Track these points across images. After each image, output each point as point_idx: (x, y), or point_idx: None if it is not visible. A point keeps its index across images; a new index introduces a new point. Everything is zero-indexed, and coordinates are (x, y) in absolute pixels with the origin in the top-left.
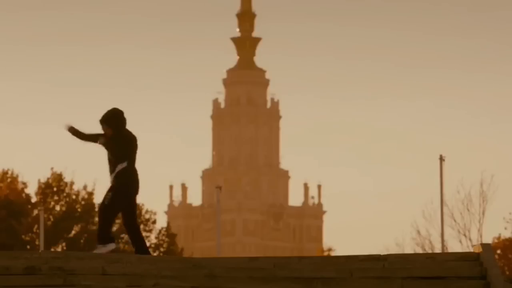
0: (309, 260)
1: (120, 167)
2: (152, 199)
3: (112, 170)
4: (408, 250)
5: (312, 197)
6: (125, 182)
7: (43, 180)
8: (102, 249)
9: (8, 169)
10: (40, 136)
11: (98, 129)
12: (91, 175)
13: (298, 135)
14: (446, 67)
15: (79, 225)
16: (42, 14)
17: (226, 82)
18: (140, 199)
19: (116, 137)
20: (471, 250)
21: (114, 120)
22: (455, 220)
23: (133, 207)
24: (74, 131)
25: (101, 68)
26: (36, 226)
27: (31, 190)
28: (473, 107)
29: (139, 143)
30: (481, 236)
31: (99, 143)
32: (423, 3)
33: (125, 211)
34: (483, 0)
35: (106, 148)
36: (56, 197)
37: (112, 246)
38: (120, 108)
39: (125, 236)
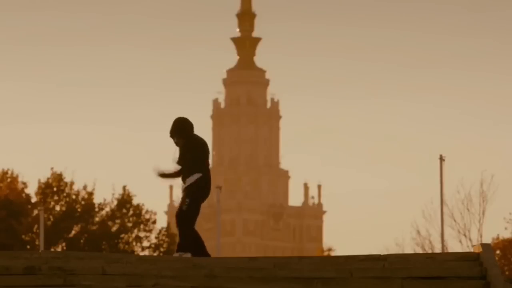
0: (309, 260)
1: (196, 176)
2: (152, 199)
3: (185, 177)
4: (408, 250)
5: (312, 197)
6: (202, 190)
7: (43, 180)
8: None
9: (8, 169)
10: (40, 136)
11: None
12: (91, 175)
13: (298, 135)
14: (446, 67)
15: (79, 225)
16: (42, 14)
17: (226, 82)
18: (140, 199)
19: (187, 145)
20: (471, 250)
21: (183, 130)
22: (455, 220)
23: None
24: (163, 175)
25: (101, 68)
26: (36, 226)
27: (31, 190)
28: (473, 107)
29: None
30: (481, 236)
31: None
32: (423, 3)
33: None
34: (483, 0)
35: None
36: (56, 197)
37: (188, 255)
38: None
39: (124, 236)
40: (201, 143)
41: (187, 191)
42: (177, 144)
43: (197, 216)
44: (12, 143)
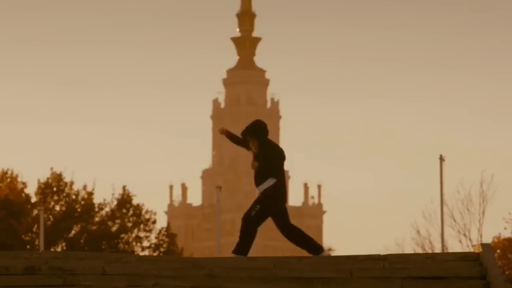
0: (309, 260)
1: (270, 182)
2: (152, 199)
3: (258, 182)
4: (408, 250)
5: (312, 197)
6: (274, 198)
7: (42, 180)
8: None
9: (8, 169)
10: (40, 136)
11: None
12: (91, 175)
13: (298, 135)
14: (446, 67)
15: (79, 225)
16: (42, 14)
17: (226, 82)
18: (140, 199)
19: (264, 150)
20: (471, 250)
21: (259, 132)
22: (455, 220)
23: (284, 213)
24: (228, 134)
25: (101, 68)
26: (36, 226)
27: (31, 190)
28: (473, 107)
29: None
30: (481, 236)
31: (250, 151)
32: (423, 3)
33: (276, 218)
34: (483, 0)
35: (255, 159)
36: (56, 197)
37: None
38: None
39: (124, 236)
40: (278, 152)
41: (260, 198)
42: (251, 144)
43: (261, 223)
44: (12, 143)
